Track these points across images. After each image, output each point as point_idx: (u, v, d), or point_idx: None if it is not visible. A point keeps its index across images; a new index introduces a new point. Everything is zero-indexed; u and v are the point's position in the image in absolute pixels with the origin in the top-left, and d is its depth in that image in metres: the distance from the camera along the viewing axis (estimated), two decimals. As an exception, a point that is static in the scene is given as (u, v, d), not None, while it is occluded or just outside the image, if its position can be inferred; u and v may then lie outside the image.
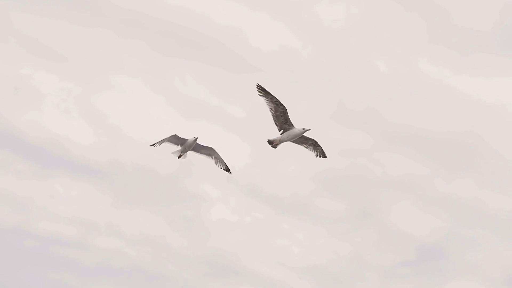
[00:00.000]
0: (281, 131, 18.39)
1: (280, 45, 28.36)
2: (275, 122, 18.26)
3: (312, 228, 25.84)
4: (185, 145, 19.53)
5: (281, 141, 18.41)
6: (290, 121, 18.14)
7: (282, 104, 18.02)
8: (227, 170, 19.80)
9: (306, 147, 18.56)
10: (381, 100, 27.68)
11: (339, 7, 28.50)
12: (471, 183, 26.49)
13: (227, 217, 25.98)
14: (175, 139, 19.51)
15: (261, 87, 17.93)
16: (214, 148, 19.76)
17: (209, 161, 19.87)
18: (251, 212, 26.07)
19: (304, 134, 18.27)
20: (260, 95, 18.07)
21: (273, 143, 18.59)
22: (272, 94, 17.96)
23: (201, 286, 25.39)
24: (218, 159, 19.80)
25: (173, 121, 27.14)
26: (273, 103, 18.07)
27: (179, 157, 19.66)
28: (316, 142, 18.39)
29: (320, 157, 18.45)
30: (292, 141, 18.53)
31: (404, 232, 25.74)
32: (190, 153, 19.68)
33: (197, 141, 19.48)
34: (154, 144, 19.22)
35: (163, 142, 19.27)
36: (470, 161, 27.01)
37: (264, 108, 27.38)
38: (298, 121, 26.89)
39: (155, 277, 25.16)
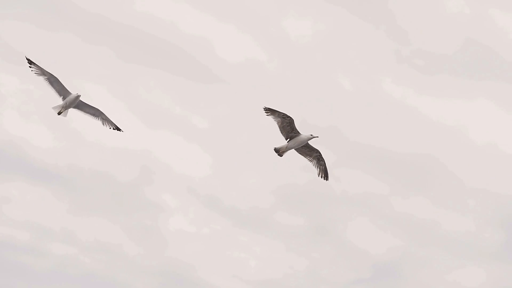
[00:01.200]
0: (288, 139, 18.48)
1: (247, 57, 28.45)
2: (282, 132, 18.42)
3: (270, 242, 25.86)
4: (67, 100, 18.64)
5: (287, 148, 18.52)
6: (296, 129, 18.33)
7: (289, 116, 18.23)
8: (117, 129, 19.20)
9: (310, 160, 18.70)
10: (344, 117, 27.84)
11: (307, 22, 28.70)
12: (428, 204, 26.78)
13: (185, 228, 25.88)
14: (57, 85, 18.60)
15: (268, 108, 18.20)
16: (100, 110, 19.05)
17: (95, 122, 19.14)
18: (210, 224, 26.01)
19: (309, 143, 18.42)
20: (267, 115, 18.29)
21: (279, 151, 18.63)
22: (278, 110, 18.20)
23: (156, 296, 25.19)
24: (106, 120, 19.12)
25: (135, 128, 26.96)
26: (280, 117, 18.29)
27: (59, 113, 18.78)
28: (320, 155, 18.58)
29: (321, 177, 18.63)
30: (297, 151, 18.60)
31: (360, 249, 25.90)
32: (75, 112, 18.83)
33: (83, 101, 18.72)
34: (30, 62, 18.51)
35: (41, 71, 18.53)
36: (428, 182, 27.32)
37: (228, 120, 27.51)
38: (262, 133, 27.01)
39: (109, 285, 24.92)
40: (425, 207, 26.60)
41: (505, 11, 28.87)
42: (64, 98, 18.73)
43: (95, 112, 19.07)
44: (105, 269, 25.08)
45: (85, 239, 25.29)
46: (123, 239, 25.35)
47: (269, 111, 18.20)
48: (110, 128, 19.21)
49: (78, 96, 18.67)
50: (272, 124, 26.87)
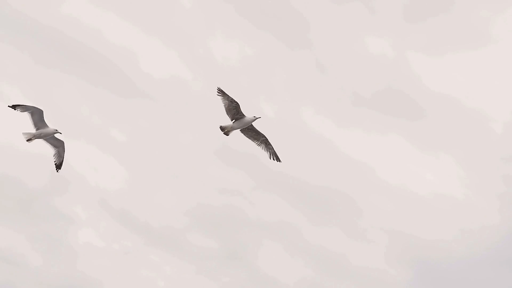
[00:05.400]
0: (233, 120, 19.20)
1: (171, 74, 28.06)
2: (227, 113, 19.15)
3: (181, 263, 25.34)
4: (42, 132, 18.97)
5: (232, 128, 19.21)
6: (241, 112, 19.09)
7: (236, 101, 19.02)
8: (58, 167, 19.46)
9: (258, 145, 19.36)
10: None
11: (234, 44, 28.66)
12: (339, 238, 27.01)
13: (95, 242, 25.01)
14: (38, 115, 18.82)
15: (221, 90, 18.91)
16: (64, 143, 19.42)
17: (50, 150, 19.45)
18: (120, 240, 25.25)
19: (255, 128, 19.17)
20: (218, 95, 18.98)
21: (225, 130, 19.27)
22: (228, 94, 18.93)
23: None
24: (59, 153, 19.46)
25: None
26: (228, 100, 19.05)
27: (28, 140, 19.07)
28: (267, 140, 19.28)
29: (273, 159, 19.29)
30: (244, 134, 19.34)
31: (271, 277, 25.75)
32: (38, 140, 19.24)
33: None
34: (15, 106, 18.60)
35: (26, 108, 18.65)
36: (340, 217, 27.57)
37: (147, 135, 26.89)
38: (180, 150, 26.55)
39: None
40: (336, 240, 26.82)
41: (421, 54, 29.82)
42: (38, 129, 18.97)
43: (57, 144, 19.43)
44: (5, 278, 23.90)
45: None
46: (26, 249, 24.25)
47: (221, 92, 18.92)
48: (54, 162, 19.52)
49: (55, 132, 19.03)
50: (192, 141, 26.61)
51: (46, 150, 25.37)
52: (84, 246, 24.87)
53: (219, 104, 28.42)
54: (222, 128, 19.22)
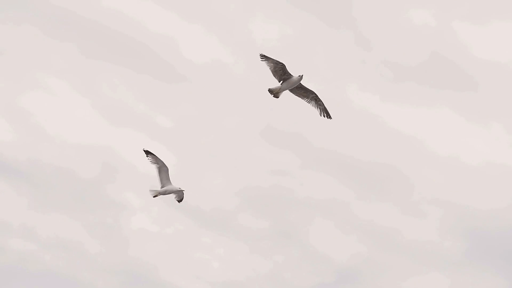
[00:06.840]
0: (281, 81, 18.68)
1: (212, 58, 28.23)
2: (274, 75, 18.61)
3: (233, 244, 25.59)
4: (167, 189, 19.85)
5: (281, 89, 18.70)
6: (288, 72, 18.53)
7: (281, 62, 18.45)
8: (181, 200, 20.48)
9: (308, 102, 18.76)
10: (309, 124, 27.77)
11: (274, 25, 28.65)
12: (391, 212, 26.88)
13: (148, 227, 25.44)
14: (165, 173, 19.78)
15: (264, 55, 18.37)
16: (183, 193, 20.21)
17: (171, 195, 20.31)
18: (173, 224, 25.61)
19: (304, 86, 18.55)
20: (262, 60, 18.44)
21: (273, 92, 18.82)
22: (272, 58, 18.35)
23: (115, 297, 24.63)
24: (180, 196, 20.32)
25: (98, 125, 26.52)
26: (273, 63, 18.51)
27: (154, 196, 19.93)
28: (317, 96, 18.64)
29: (324, 116, 18.71)
30: (293, 93, 18.76)
31: (324, 254, 25.80)
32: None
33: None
34: (148, 153, 19.40)
35: (156, 160, 19.52)
36: (391, 191, 27.42)
37: (192, 120, 27.17)
38: (227, 135, 26.78)
39: (68, 283, 24.28)
40: (388, 214, 26.70)
41: (467, 23, 29.34)
42: (163, 186, 19.84)
43: (176, 193, 20.31)
44: (65, 266, 24.54)
45: (45, 236, 24.71)
46: (84, 237, 24.84)
47: (264, 57, 18.41)
48: (178, 199, 20.40)
49: (180, 190, 19.99)
50: (237, 124, 26.78)
51: (95, 141, 25.99)
52: (138, 231, 25.36)
53: (262, 86, 28.50)
54: (270, 91, 18.76)
